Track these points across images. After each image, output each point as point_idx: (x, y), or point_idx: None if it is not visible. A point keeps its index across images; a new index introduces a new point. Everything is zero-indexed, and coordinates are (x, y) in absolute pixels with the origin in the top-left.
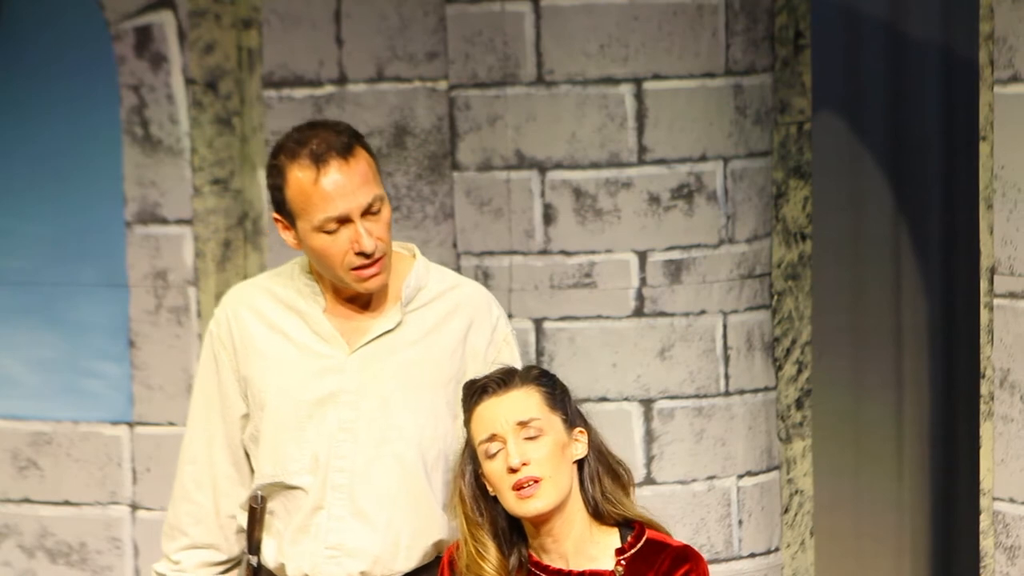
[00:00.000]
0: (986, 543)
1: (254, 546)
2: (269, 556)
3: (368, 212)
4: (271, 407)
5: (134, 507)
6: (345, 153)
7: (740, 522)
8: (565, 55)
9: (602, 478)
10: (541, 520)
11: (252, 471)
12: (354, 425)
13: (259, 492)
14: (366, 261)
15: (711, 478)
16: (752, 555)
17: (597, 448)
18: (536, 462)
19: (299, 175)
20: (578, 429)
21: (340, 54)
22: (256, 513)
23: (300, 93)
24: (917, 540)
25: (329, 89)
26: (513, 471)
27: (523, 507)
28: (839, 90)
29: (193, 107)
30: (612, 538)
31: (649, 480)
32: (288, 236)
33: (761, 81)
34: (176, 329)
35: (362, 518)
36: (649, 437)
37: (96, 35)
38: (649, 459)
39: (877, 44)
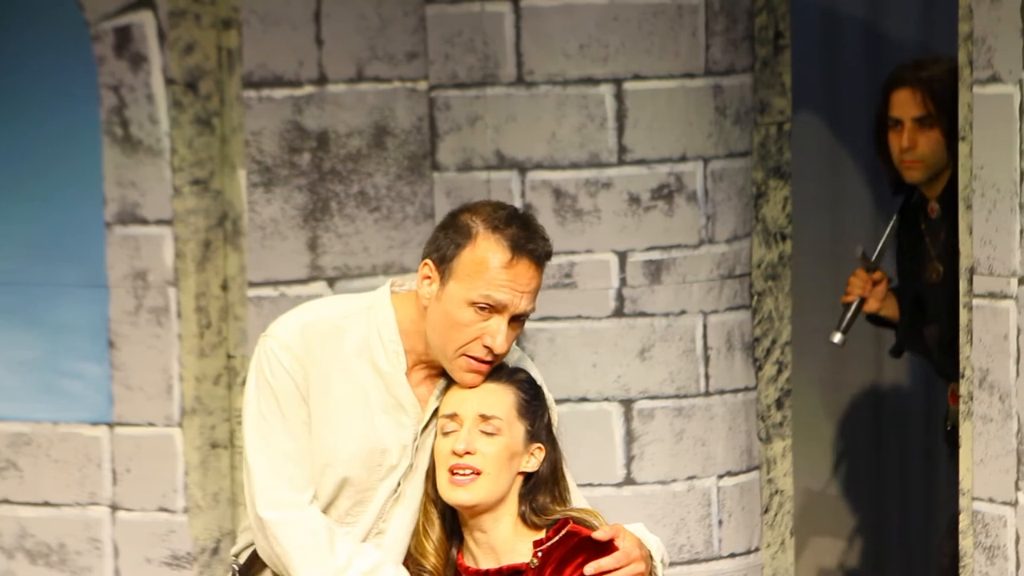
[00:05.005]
0: (965, 543)
1: None
2: None
3: (516, 319)
4: (340, 467)
5: (114, 508)
6: (539, 261)
7: (720, 522)
8: (545, 55)
9: (541, 495)
10: (470, 512)
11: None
12: (405, 493)
13: None
14: (485, 357)
15: (691, 478)
16: (732, 555)
17: (553, 468)
18: (482, 455)
19: (492, 247)
20: (537, 445)
21: (320, 54)
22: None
23: (280, 93)
24: (897, 540)
25: (309, 89)
26: (456, 455)
27: (450, 493)
28: (819, 90)
29: (173, 107)
30: (539, 535)
31: (629, 480)
32: (427, 285)
33: (741, 81)
34: (156, 330)
35: None
36: (629, 437)
37: (76, 35)
38: (629, 459)
39: (857, 45)
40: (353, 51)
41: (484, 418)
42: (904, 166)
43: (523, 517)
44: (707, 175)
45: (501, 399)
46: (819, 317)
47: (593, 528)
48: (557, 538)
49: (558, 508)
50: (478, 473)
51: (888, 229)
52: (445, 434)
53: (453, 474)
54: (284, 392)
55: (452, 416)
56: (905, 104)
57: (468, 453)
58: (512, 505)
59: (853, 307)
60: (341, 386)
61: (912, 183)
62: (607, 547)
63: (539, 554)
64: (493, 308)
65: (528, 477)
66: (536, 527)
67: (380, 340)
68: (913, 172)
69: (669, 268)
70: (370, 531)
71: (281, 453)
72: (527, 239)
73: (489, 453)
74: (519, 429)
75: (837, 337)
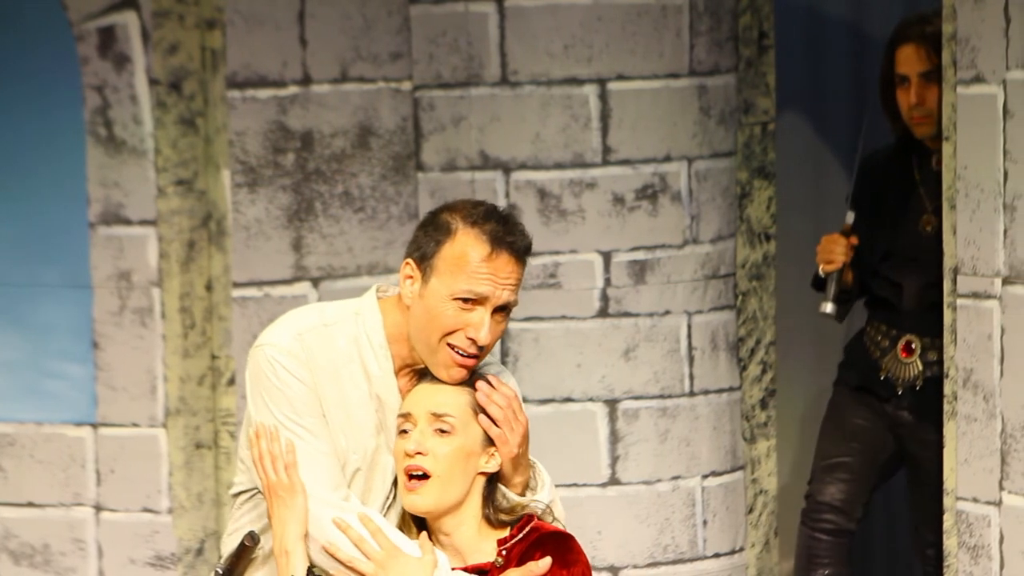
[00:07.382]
0: (950, 543)
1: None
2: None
3: (499, 311)
4: (346, 469)
5: (98, 508)
6: (519, 254)
7: (705, 522)
8: (529, 56)
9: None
10: (429, 516)
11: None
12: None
13: (254, 530)
14: (468, 350)
15: (676, 478)
16: (717, 555)
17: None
18: (433, 456)
19: (471, 242)
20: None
21: (304, 55)
22: (246, 551)
23: (264, 94)
24: (882, 539)
25: (293, 90)
26: (408, 455)
27: (406, 498)
28: (803, 90)
29: (157, 108)
30: (503, 533)
31: (614, 480)
32: (409, 285)
33: (725, 82)
34: (140, 330)
35: None
36: (614, 437)
37: (59, 35)
38: (614, 459)
39: (841, 45)
40: (337, 51)
41: (436, 416)
42: (914, 122)
43: (488, 518)
44: (691, 175)
45: (455, 398)
46: (803, 317)
47: (553, 523)
48: (521, 535)
49: (523, 501)
50: (428, 476)
51: (852, 186)
52: (400, 434)
53: (409, 478)
54: (298, 396)
55: (406, 416)
56: (910, 60)
57: (419, 453)
58: (474, 507)
59: (837, 275)
60: (339, 390)
61: (921, 138)
62: (565, 543)
63: (503, 552)
64: (475, 301)
65: (491, 478)
66: (503, 525)
67: (369, 344)
68: (923, 127)
69: (653, 268)
70: None
71: (315, 454)
72: (506, 232)
73: (441, 453)
74: (476, 428)
75: (829, 307)
